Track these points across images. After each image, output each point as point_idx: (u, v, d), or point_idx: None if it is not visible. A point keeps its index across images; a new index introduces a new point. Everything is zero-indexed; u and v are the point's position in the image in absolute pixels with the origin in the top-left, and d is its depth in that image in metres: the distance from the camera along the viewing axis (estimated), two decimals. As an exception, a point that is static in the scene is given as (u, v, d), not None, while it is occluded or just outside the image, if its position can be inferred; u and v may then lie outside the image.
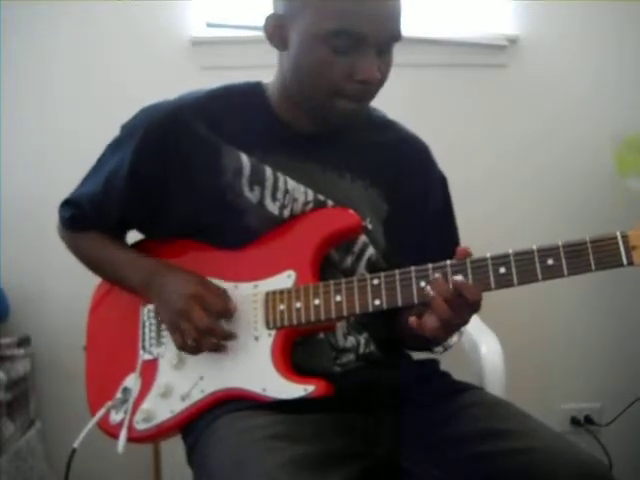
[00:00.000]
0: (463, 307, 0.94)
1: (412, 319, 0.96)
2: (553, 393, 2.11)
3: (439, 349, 1.15)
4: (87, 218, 1.21)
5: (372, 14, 1.00)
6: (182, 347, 1.06)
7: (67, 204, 1.24)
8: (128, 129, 1.17)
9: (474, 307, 0.95)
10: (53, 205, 1.27)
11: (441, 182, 1.24)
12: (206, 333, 1.04)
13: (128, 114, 1.18)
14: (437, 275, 0.95)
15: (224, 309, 1.06)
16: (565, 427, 2.11)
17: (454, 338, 1.09)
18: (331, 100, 1.05)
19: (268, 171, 1.11)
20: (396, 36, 1.04)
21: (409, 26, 1.93)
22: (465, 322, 0.98)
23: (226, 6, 1.96)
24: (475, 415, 1.03)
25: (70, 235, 1.26)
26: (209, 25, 1.93)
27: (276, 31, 1.07)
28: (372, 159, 1.17)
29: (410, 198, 1.18)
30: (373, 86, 1.05)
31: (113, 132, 1.20)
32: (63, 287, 1.89)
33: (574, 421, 2.13)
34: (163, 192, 1.14)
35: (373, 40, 1.00)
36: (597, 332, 2.13)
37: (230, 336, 1.05)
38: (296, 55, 1.05)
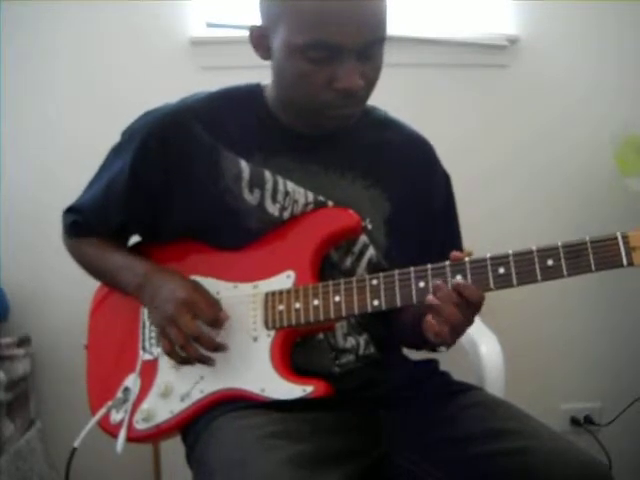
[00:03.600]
0: (468, 308, 0.94)
1: (429, 320, 0.94)
2: (553, 393, 2.11)
3: (442, 348, 1.13)
4: (88, 224, 1.21)
5: (345, 22, 0.97)
6: (169, 353, 1.06)
7: (70, 211, 1.24)
8: (129, 134, 1.18)
9: (477, 306, 0.95)
10: (53, 205, 1.27)
11: (444, 180, 1.23)
12: (194, 341, 1.03)
13: (128, 114, 1.18)
14: (438, 282, 0.94)
15: (214, 318, 1.05)
16: (565, 427, 2.11)
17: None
18: (318, 108, 1.04)
19: (268, 174, 1.10)
20: (376, 40, 1.01)
21: (410, 26, 1.95)
22: (470, 322, 0.98)
23: (226, 6, 1.96)
24: (475, 415, 1.03)
25: (72, 242, 1.26)
26: (209, 25, 1.93)
27: (259, 41, 1.06)
28: (374, 159, 1.16)
29: (413, 197, 1.18)
30: (359, 92, 1.03)
31: (113, 132, 1.20)
32: (63, 287, 1.89)
33: (574, 421, 2.13)
34: (163, 196, 1.14)
35: (350, 48, 0.98)
36: (597, 332, 2.13)
37: (219, 347, 1.05)
38: (278, 66, 1.05)
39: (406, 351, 1.25)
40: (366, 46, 1.00)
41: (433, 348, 1.15)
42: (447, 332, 0.94)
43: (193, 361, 1.05)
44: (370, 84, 1.05)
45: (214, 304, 1.07)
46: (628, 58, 2.05)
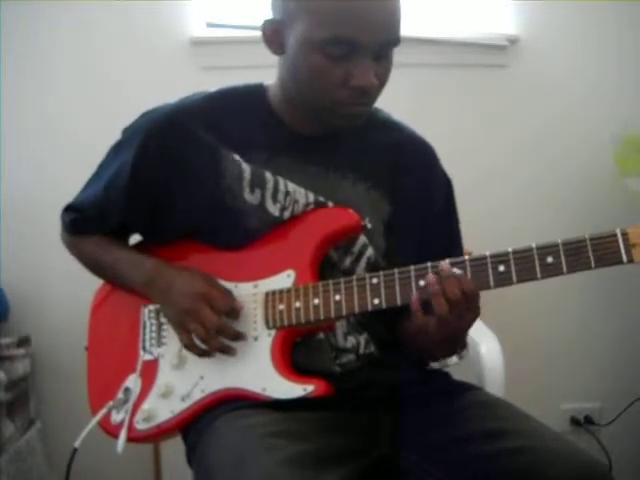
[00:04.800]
0: (461, 305, 0.94)
1: (414, 299, 0.96)
2: (553, 393, 2.11)
3: (435, 364, 1.13)
4: (88, 222, 1.21)
5: (366, 20, 0.98)
6: (189, 347, 1.06)
7: (69, 209, 1.24)
8: (129, 133, 1.18)
9: (471, 306, 0.95)
10: (53, 205, 1.27)
11: (446, 183, 1.23)
12: (215, 333, 1.04)
13: (128, 114, 1.18)
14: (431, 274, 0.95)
15: (232, 308, 1.06)
16: (565, 427, 2.12)
17: (453, 358, 1.09)
18: (330, 106, 1.04)
19: (268, 174, 1.10)
20: (393, 41, 1.02)
21: (409, 26, 1.95)
22: (463, 327, 0.99)
23: (226, 6, 1.96)
24: (475, 415, 1.03)
25: (72, 240, 1.26)
26: (209, 25, 1.93)
27: (273, 36, 1.06)
28: (375, 160, 1.16)
29: (413, 199, 1.17)
30: (372, 91, 1.04)
31: (113, 132, 1.20)
32: (63, 287, 1.89)
33: (574, 421, 2.13)
34: (164, 195, 1.14)
35: (368, 46, 0.99)
36: (597, 332, 2.13)
37: (239, 336, 1.05)
38: (292, 61, 1.05)
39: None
40: (383, 46, 1.01)
41: (426, 361, 1.14)
42: (433, 324, 0.96)
43: (214, 353, 1.06)
44: (381, 85, 1.05)
45: (229, 294, 1.08)
46: (628, 58, 2.06)
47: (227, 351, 1.05)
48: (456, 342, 1.07)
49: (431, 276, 0.96)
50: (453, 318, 0.95)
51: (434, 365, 1.13)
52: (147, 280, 1.12)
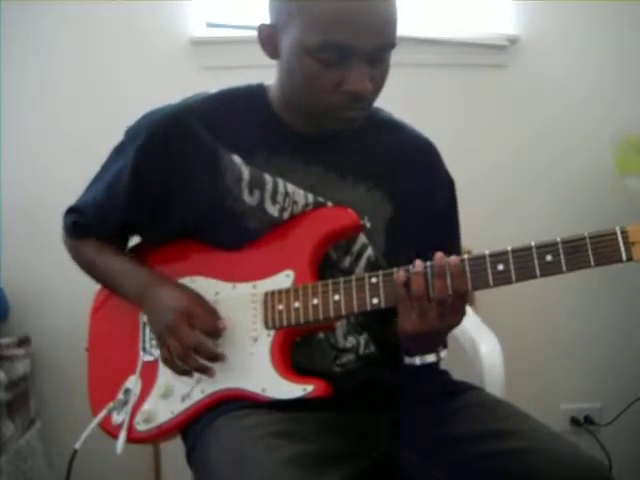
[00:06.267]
0: (447, 304, 0.94)
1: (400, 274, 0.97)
2: (553, 393, 2.11)
3: (414, 360, 1.11)
4: (89, 224, 1.21)
5: (359, 25, 0.97)
6: (167, 363, 1.05)
7: (70, 212, 1.24)
8: (131, 134, 1.18)
9: (457, 304, 0.95)
10: (53, 205, 1.27)
11: (448, 183, 1.23)
12: (193, 351, 1.03)
13: (128, 114, 1.18)
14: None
15: (212, 328, 1.05)
16: (565, 427, 2.12)
17: (431, 356, 1.09)
18: (325, 110, 1.04)
19: (267, 175, 1.10)
20: (387, 44, 1.01)
21: (410, 26, 1.95)
22: (442, 328, 0.97)
23: (226, 6, 1.96)
24: (475, 415, 1.03)
25: (73, 243, 1.25)
26: (209, 25, 1.93)
27: (268, 39, 1.06)
28: (376, 160, 1.16)
29: (414, 199, 1.17)
30: (367, 96, 1.03)
31: (113, 131, 1.20)
32: (63, 287, 1.89)
33: (574, 421, 2.13)
34: (164, 195, 1.13)
35: (361, 51, 0.98)
36: (597, 332, 2.13)
37: (218, 357, 1.04)
38: (287, 66, 1.05)
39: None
40: (377, 50, 1.00)
41: (411, 352, 1.12)
42: (415, 318, 0.95)
43: (192, 372, 1.05)
44: (377, 88, 1.05)
45: (212, 313, 1.07)
46: (628, 58, 2.06)
47: (204, 371, 1.04)
48: (435, 341, 1.06)
49: (419, 262, 0.96)
50: (434, 316, 0.95)
51: (407, 360, 1.11)
52: (137, 292, 1.12)
